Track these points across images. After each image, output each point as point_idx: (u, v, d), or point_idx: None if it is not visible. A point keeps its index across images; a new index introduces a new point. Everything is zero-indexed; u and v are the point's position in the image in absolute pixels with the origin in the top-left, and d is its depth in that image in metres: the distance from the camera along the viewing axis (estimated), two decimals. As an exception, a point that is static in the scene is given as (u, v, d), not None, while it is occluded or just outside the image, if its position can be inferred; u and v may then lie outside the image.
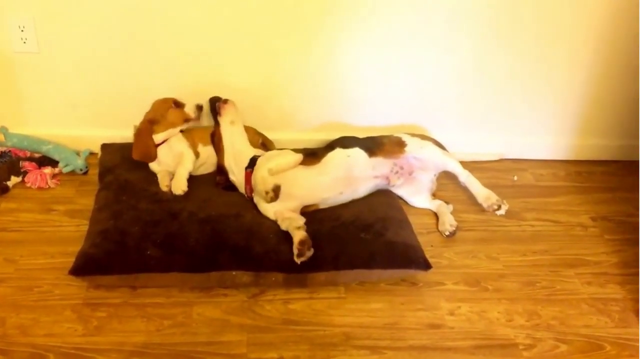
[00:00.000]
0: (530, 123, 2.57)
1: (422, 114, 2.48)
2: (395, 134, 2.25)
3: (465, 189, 2.25)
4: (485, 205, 2.16)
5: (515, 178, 2.51)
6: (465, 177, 2.22)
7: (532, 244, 2.12)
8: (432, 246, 2.04)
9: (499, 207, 2.13)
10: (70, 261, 1.76)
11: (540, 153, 2.64)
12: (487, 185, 2.22)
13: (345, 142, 2.14)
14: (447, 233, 2.11)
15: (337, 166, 2.06)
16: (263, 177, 1.92)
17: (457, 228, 2.12)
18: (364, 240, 1.89)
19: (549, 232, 2.19)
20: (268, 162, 1.97)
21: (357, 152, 2.11)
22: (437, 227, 2.16)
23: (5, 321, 1.66)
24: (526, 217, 2.26)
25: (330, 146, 2.13)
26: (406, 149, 2.19)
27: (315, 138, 2.37)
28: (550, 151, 2.65)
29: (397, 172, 2.19)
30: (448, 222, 2.14)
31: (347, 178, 2.07)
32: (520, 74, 2.43)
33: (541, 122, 2.58)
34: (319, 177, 2.03)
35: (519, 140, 2.60)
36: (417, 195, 2.24)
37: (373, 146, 2.15)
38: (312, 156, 2.07)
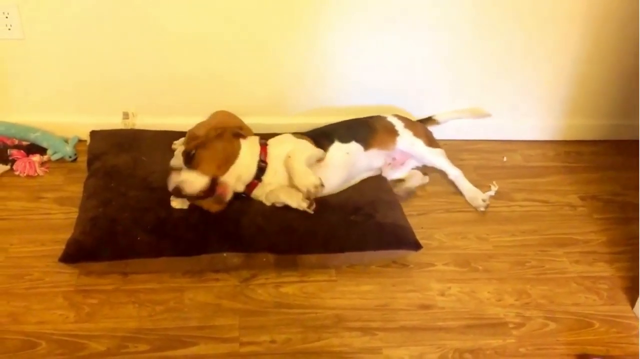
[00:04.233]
0: (519, 104, 2.58)
1: (410, 96, 2.48)
2: (387, 118, 2.25)
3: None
4: (473, 204, 2.17)
5: (505, 159, 2.52)
6: (454, 176, 2.22)
7: (521, 224, 2.13)
8: (422, 227, 2.04)
9: (485, 207, 2.14)
10: (60, 248, 1.76)
11: (530, 134, 2.65)
12: (476, 166, 2.23)
13: (343, 134, 2.11)
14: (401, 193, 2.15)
15: (338, 163, 2.05)
16: (309, 177, 1.84)
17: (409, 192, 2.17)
18: (353, 222, 1.89)
19: (538, 213, 2.21)
20: (302, 158, 1.90)
21: (355, 147, 2.10)
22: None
23: (-3, 309, 1.66)
24: (515, 198, 2.27)
25: (328, 136, 2.09)
26: (397, 139, 2.19)
27: (305, 122, 2.36)
28: (539, 132, 2.66)
29: (389, 164, 2.21)
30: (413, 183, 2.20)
31: (347, 173, 2.07)
32: (509, 55, 2.43)
33: (530, 103, 2.58)
34: (323, 173, 1.97)
35: (508, 121, 2.60)
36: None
37: (367, 135, 2.14)
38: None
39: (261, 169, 1.91)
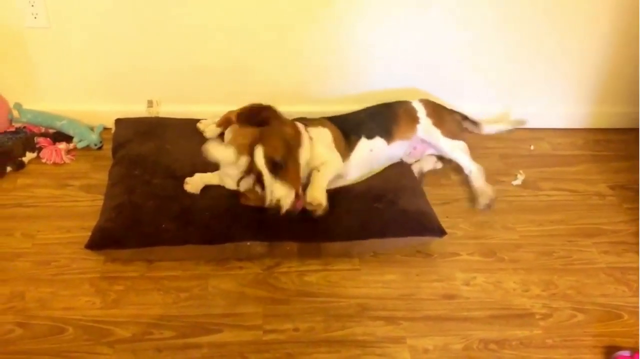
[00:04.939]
0: (548, 91, 2.53)
1: (437, 83, 2.44)
2: (412, 103, 2.22)
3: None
4: (478, 199, 2.09)
5: (532, 147, 2.47)
6: (469, 171, 2.15)
7: (548, 213, 2.10)
8: (447, 217, 2.02)
9: (485, 207, 2.07)
10: (86, 235, 1.78)
11: (558, 122, 2.60)
12: (503, 154, 2.20)
13: (368, 128, 2.10)
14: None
15: (362, 159, 2.05)
16: (322, 197, 1.81)
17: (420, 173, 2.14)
18: (376, 209, 1.88)
19: (566, 202, 2.17)
20: (327, 178, 1.88)
21: (379, 143, 2.10)
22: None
23: (25, 294, 1.68)
24: (543, 187, 2.23)
25: (356, 131, 2.08)
26: (417, 127, 2.17)
27: (328, 109, 2.34)
28: (567, 120, 2.61)
29: (410, 153, 2.20)
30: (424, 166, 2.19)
31: (369, 167, 2.08)
32: (538, 42, 2.38)
33: (558, 91, 2.53)
34: (346, 167, 2.00)
35: (536, 109, 2.56)
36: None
37: (391, 127, 2.13)
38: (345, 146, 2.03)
39: None
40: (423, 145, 2.21)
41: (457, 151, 2.17)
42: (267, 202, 1.72)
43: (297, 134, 1.87)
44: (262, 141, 1.75)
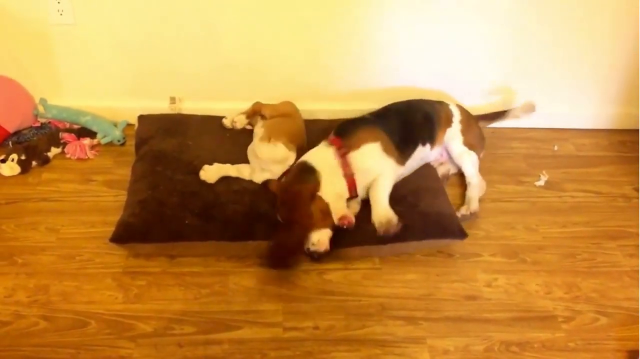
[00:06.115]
0: (572, 91, 2.49)
1: (459, 83, 2.43)
2: (450, 106, 2.19)
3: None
4: (467, 205, 2.04)
5: (556, 148, 2.44)
6: (470, 182, 2.10)
7: (572, 215, 2.07)
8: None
9: (464, 219, 1.99)
10: (109, 230, 1.80)
11: (582, 122, 2.57)
12: (526, 155, 2.18)
13: (422, 136, 2.07)
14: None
15: (412, 166, 2.06)
16: (388, 217, 1.81)
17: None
18: (397, 212, 1.86)
19: (590, 204, 2.14)
20: (386, 191, 1.88)
21: (427, 149, 2.10)
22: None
23: (49, 288, 1.70)
24: (567, 188, 2.20)
25: (412, 137, 2.04)
26: (448, 130, 2.14)
27: (348, 108, 2.33)
28: (592, 120, 2.57)
29: (436, 159, 2.18)
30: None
31: (411, 171, 2.07)
32: (562, 42, 2.34)
33: (583, 91, 2.50)
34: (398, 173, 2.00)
35: (560, 109, 2.52)
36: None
37: (435, 131, 2.11)
38: (401, 155, 1.99)
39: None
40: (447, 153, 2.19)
41: (466, 159, 2.13)
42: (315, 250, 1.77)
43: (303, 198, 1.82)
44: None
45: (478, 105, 2.40)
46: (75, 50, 2.30)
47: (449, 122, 2.15)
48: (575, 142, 2.49)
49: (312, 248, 1.76)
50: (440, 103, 2.20)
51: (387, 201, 1.86)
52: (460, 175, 2.17)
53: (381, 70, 2.39)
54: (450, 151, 2.15)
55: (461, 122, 2.16)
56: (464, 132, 2.15)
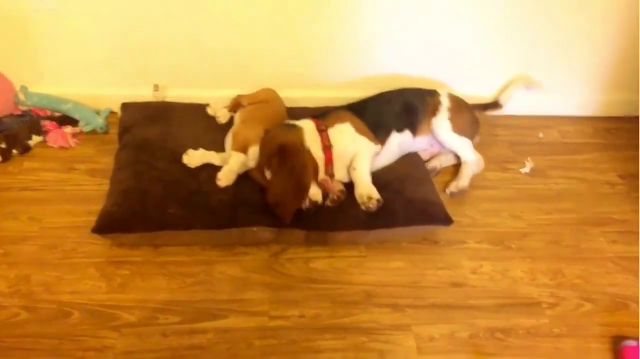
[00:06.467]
0: (557, 79, 2.49)
1: (447, 69, 2.42)
2: (440, 96, 2.17)
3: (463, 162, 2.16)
4: (455, 182, 2.08)
5: (541, 135, 2.45)
6: (467, 159, 2.13)
7: (557, 202, 2.08)
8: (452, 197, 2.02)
9: (452, 195, 2.06)
10: (92, 219, 1.77)
11: (567, 109, 2.57)
12: (511, 142, 2.19)
13: (399, 121, 2.08)
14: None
15: (390, 152, 2.06)
16: (369, 193, 1.85)
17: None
18: (383, 199, 1.85)
19: (574, 190, 2.15)
20: (366, 167, 1.92)
21: (407, 137, 2.10)
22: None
23: (31, 278, 1.68)
24: (551, 175, 2.21)
25: (387, 123, 2.05)
26: (433, 119, 2.13)
27: (338, 96, 2.32)
28: (577, 108, 2.58)
29: (426, 150, 2.18)
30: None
31: (392, 159, 2.08)
32: (548, 29, 2.34)
33: (568, 78, 2.50)
34: (376, 162, 2.01)
35: (544, 96, 2.52)
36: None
37: (418, 119, 2.11)
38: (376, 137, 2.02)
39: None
40: (439, 145, 2.18)
41: (457, 143, 2.13)
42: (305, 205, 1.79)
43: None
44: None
45: (469, 93, 2.39)
46: (56, 36, 2.25)
47: (434, 111, 2.14)
48: (560, 129, 2.50)
49: (313, 198, 1.77)
50: (431, 92, 2.19)
51: (368, 178, 1.89)
52: (455, 166, 2.18)
53: (370, 57, 2.37)
54: (440, 140, 2.14)
55: (449, 110, 2.14)
56: (453, 119, 2.14)
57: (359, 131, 1.97)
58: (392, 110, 2.10)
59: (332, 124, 1.96)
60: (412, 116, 2.11)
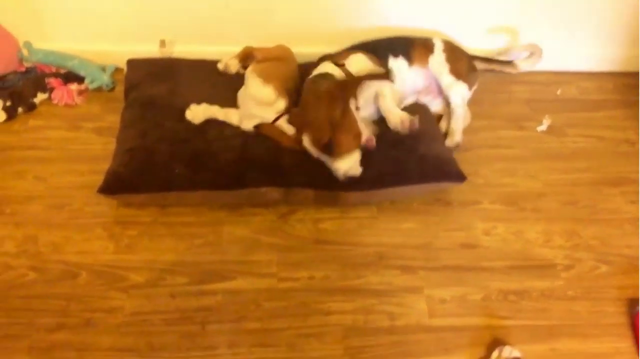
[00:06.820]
0: (575, 32, 2.40)
1: (461, 22, 2.33)
2: (432, 39, 2.14)
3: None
4: (448, 140, 2.02)
5: (559, 91, 2.37)
6: (455, 105, 2.06)
7: (574, 161, 2.03)
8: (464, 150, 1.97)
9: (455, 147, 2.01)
10: (99, 178, 1.74)
11: (586, 64, 2.49)
12: (528, 99, 2.13)
13: (391, 49, 2.07)
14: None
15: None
16: (401, 118, 1.85)
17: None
18: (395, 156, 1.81)
19: (592, 149, 2.09)
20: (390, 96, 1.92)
21: (402, 62, 2.07)
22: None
23: (38, 238, 1.67)
24: (569, 133, 2.15)
25: (382, 52, 2.05)
26: (430, 58, 2.10)
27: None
28: (596, 62, 2.49)
29: (426, 88, 2.12)
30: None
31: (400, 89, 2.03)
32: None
33: (587, 31, 2.40)
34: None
35: (563, 51, 2.43)
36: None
37: (409, 49, 2.10)
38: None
39: None
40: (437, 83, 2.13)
41: (455, 88, 2.08)
42: (340, 178, 1.72)
43: (341, 94, 1.78)
44: (307, 127, 1.76)
45: (479, 48, 2.31)
46: (60, -9, 2.19)
47: (429, 48, 2.12)
48: (579, 85, 2.42)
49: (350, 172, 1.71)
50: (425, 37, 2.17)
51: (395, 106, 1.90)
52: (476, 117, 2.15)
53: (380, 11, 2.29)
54: (440, 81, 2.10)
55: (445, 51, 2.11)
56: (450, 60, 2.10)
57: (371, 59, 2.00)
58: (386, 41, 2.12)
59: (346, 57, 1.97)
60: (405, 46, 2.10)
